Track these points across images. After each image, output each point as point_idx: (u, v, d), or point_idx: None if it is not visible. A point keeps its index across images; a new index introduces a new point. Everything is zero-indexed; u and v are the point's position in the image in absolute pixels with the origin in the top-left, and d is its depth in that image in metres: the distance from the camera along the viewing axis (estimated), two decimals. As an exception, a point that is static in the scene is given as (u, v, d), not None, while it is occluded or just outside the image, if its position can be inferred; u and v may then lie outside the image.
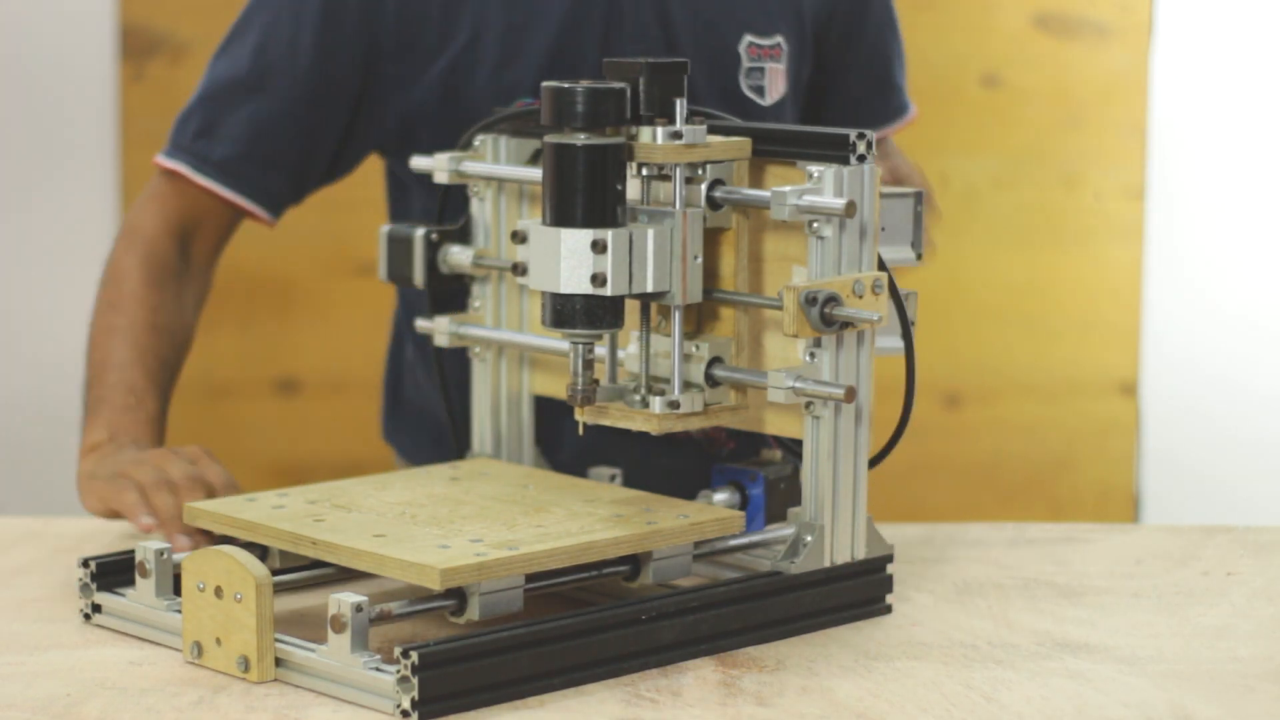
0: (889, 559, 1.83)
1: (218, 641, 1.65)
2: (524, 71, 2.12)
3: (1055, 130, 4.08)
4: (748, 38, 2.17)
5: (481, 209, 1.98)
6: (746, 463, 1.95)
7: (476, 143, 1.97)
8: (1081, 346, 4.08)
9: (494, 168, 1.96)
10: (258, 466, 4.17)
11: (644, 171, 1.77)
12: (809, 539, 1.77)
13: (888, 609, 1.82)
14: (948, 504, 4.10)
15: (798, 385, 1.73)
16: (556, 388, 1.97)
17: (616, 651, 1.65)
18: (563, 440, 2.09)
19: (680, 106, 1.74)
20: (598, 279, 1.71)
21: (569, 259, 1.72)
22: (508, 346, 1.99)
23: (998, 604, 1.85)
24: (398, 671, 1.55)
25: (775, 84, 2.18)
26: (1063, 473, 4.13)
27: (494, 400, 2.01)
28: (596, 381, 1.77)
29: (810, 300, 1.71)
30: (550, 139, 1.73)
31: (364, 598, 1.60)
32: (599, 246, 1.71)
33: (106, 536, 2.08)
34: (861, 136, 1.74)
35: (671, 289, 1.75)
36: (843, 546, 1.79)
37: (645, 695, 1.61)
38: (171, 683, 1.63)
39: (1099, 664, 1.68)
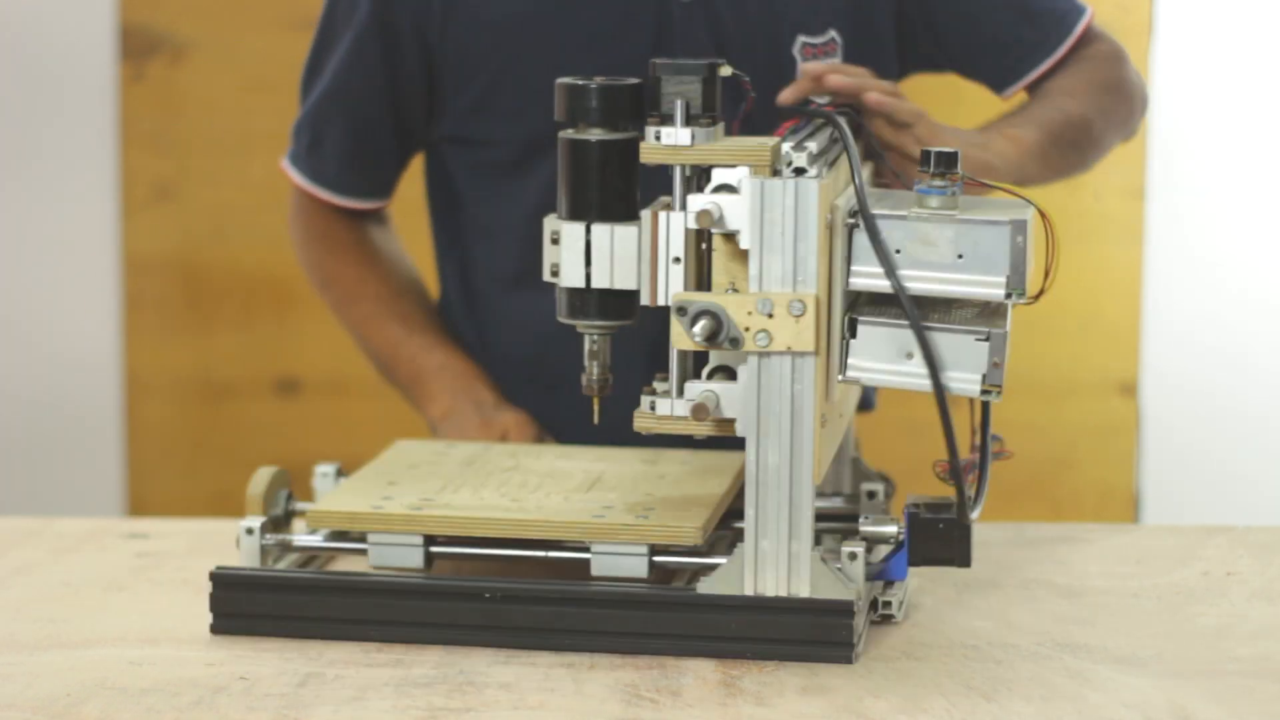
0: (848, 606, 1.68)
1: None
2: None
3: (1055, 130, 4.08)
4: (801, 39, 2.16)
5: None
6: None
7: None
8: (1081, 346, 4.08)
9: None
10: (257, 466, 4.17)
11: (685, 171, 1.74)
12: (727, 560, 1.72)
13: (848, 658, 1.70)
14: (947, 504, 4.09)
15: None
16: None
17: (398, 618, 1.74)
18: None
19: (681, 107, 1.73)
20: (553, 269, 1.75)
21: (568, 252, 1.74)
22: None
23: (998, 604, 1.85)
24: None
25: None
26: (1063, 473, 4.13)
27: None
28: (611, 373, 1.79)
29: (680, 310, 1.67)
30: (564, 135, 1.75)
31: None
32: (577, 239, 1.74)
33: (107, 536, 2.08)
34: (802, 150, 1.68)
35: (641, 289, 1.74)
36: (769, 578, 1.70)
37: (645, 695, 1.61)
38: (171, 683, 1.63)
39: (1099, 664, 1.68)
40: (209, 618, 1.79)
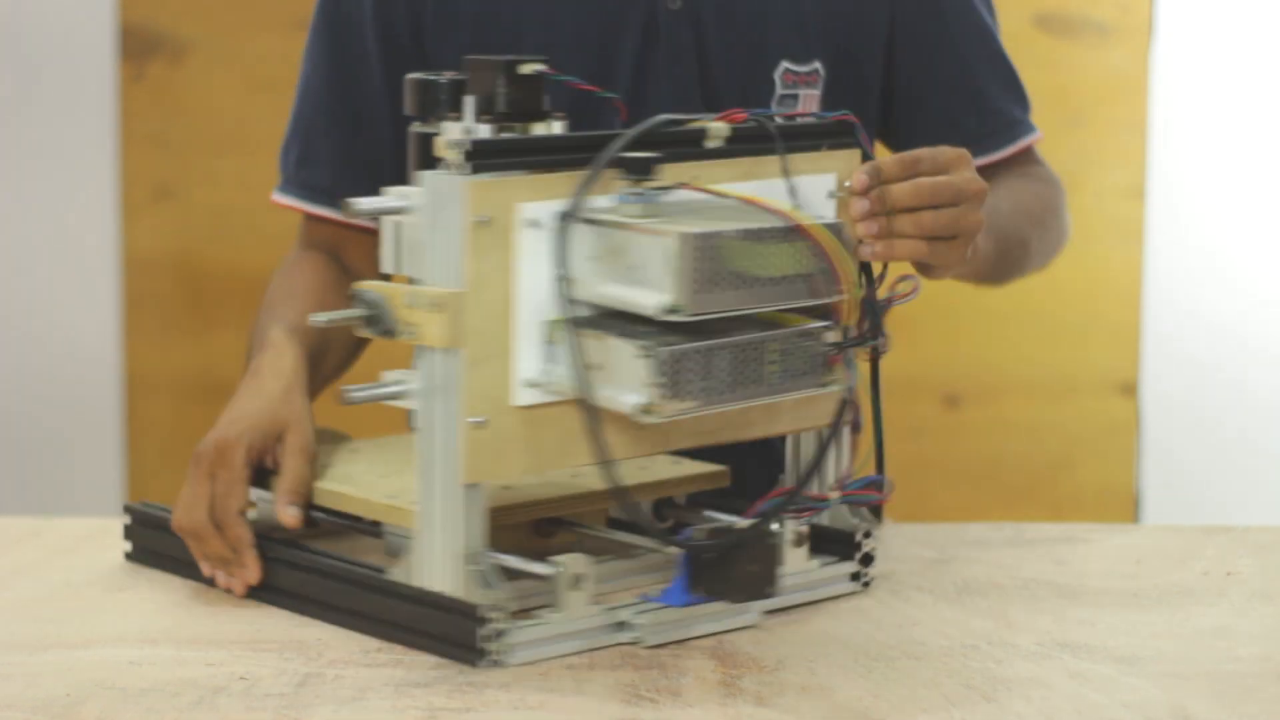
0: (472, 611, 1.65)
1: None
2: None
3: (1055, 130, 4.07)
4: (784, 64, 2.16)
5: None
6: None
7: None
8: (1081, 346, 4.08)
9: None
10: (258, 466, 4.17)
11: None
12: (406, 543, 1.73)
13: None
14: (948, 504, 4.10)
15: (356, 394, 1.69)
16: None
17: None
18: None
19: (469, 104, 1.72)
20: None
21: None
22: None
23: (998, 604, 1.85)
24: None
25: (809, 110, 2.17)
26: (1063, 473, 4.13)
27: None
28: None
29: (352, 296, 1.69)
30: (414, 129, 1.76)
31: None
32: None
33: (108, 536, 2.08)
34: (459, 146, 1.64)
35: None
36: (425, 571, 1.69)
37: (645, 695, 1.61)
38: (171, 683, 1.63)
39: (1099, 664, 1.68)
40: (209, 618, 1.80)
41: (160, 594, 1.89)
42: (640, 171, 1.66)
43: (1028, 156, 2.29)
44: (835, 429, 1.79)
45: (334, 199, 2.15)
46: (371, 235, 2.17)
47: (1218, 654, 1.71)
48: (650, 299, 1.62)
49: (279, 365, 2.02)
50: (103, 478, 4.15)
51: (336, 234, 2.21)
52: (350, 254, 2.21)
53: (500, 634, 1.66)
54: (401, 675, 1.65)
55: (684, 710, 1.58)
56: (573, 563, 1.69)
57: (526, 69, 1.73)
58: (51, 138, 4.06)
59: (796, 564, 1.82)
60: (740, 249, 1.63)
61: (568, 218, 1.66)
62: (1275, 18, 4.05)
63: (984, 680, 1.64)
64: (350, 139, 2.19)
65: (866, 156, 1.79)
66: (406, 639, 1.71)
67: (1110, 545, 2.05)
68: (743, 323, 1.68)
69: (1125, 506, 4.13)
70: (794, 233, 1.66)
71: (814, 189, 1.76)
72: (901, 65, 2.21)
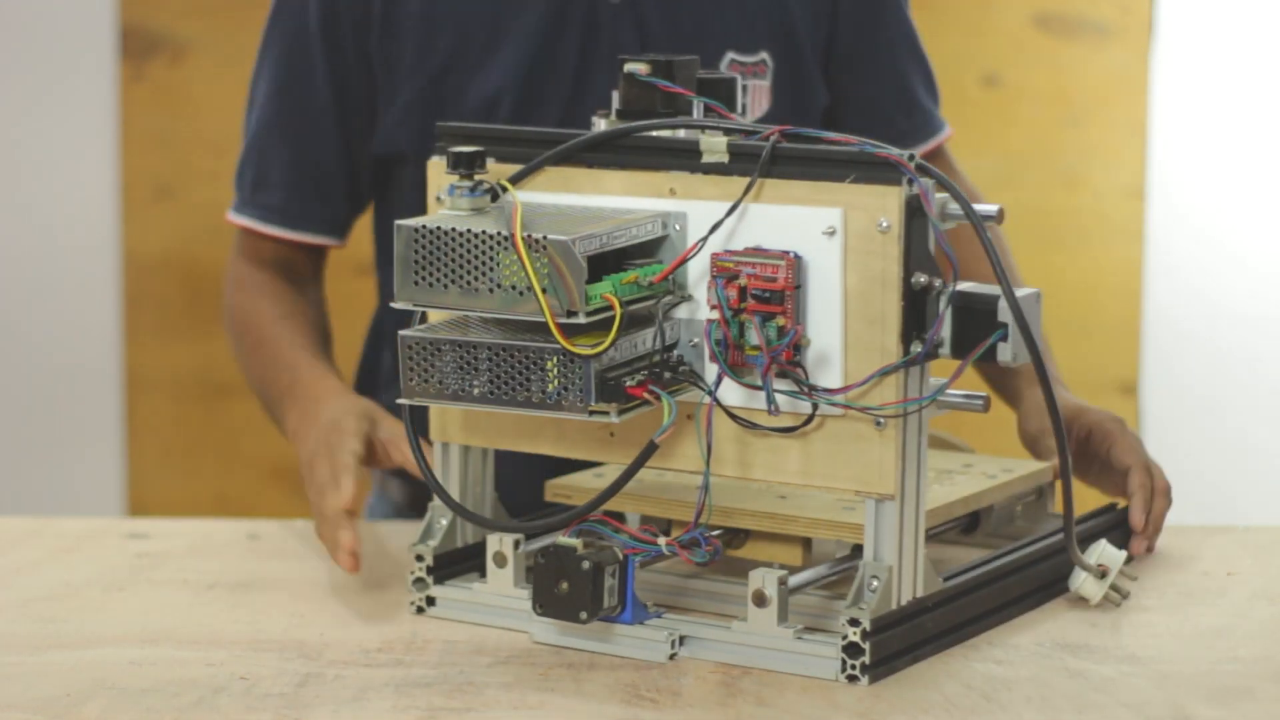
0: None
1: None
2: (500, 83, 2.12)
3: (1055, 130, 4.08)
4: (730, 54, 2.16)
5: None
6: None
7: None
8: (1081, 346, 4.08)
9: None
10: (257, 466, 4.17)
11: None
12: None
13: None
14: (948, 504, 4.09)
15: None
16: None
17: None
18: None
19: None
20: None
21: None
22: None
23: (998, 604, 1.85)
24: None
25: (759, 101, 2.17)
26: (1063, 473, 4.13)
27: None
28: None
29: None
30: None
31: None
32: None
33: (107, 536, 2.08)
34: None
35: None
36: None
37: (645, 695, 1.61)
38: (171, 683, 1.63)
39: (1099, 664, 1.68)
40: (209, 618, 1.80)
41: (160, 594, 1.89)
42: (469, 165, 1.69)
43: (940, 150, 2.33)
44: (634, 465, 1.68)
45: (287, 218, 2.23)
46: (319, 250, 2.28)
47: (1218, 654, 1.71)
48: None
49: (330, 380, 2.10)
50: (103, 478, 4.15)
51: (289, 250, 2.26)
52: (301, 268, 2.27)
53: None
54: (401, 675, 1.65)
55: (684, 710, 1.58)
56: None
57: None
58: (51, 138, 4.06)
59: (758, 625, 1.68)
60: (470, 250, 1.63)
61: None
62: (1275, 18, 4.05)
63: (984, 680, 1.64)
64: (300, 155, 2.21)
65: (912, 198, 1.63)
66: None
67: (1110, 545, 2.05)
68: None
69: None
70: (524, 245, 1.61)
71: (806, 221, 1.64)
72: (838, 58, 2.22)
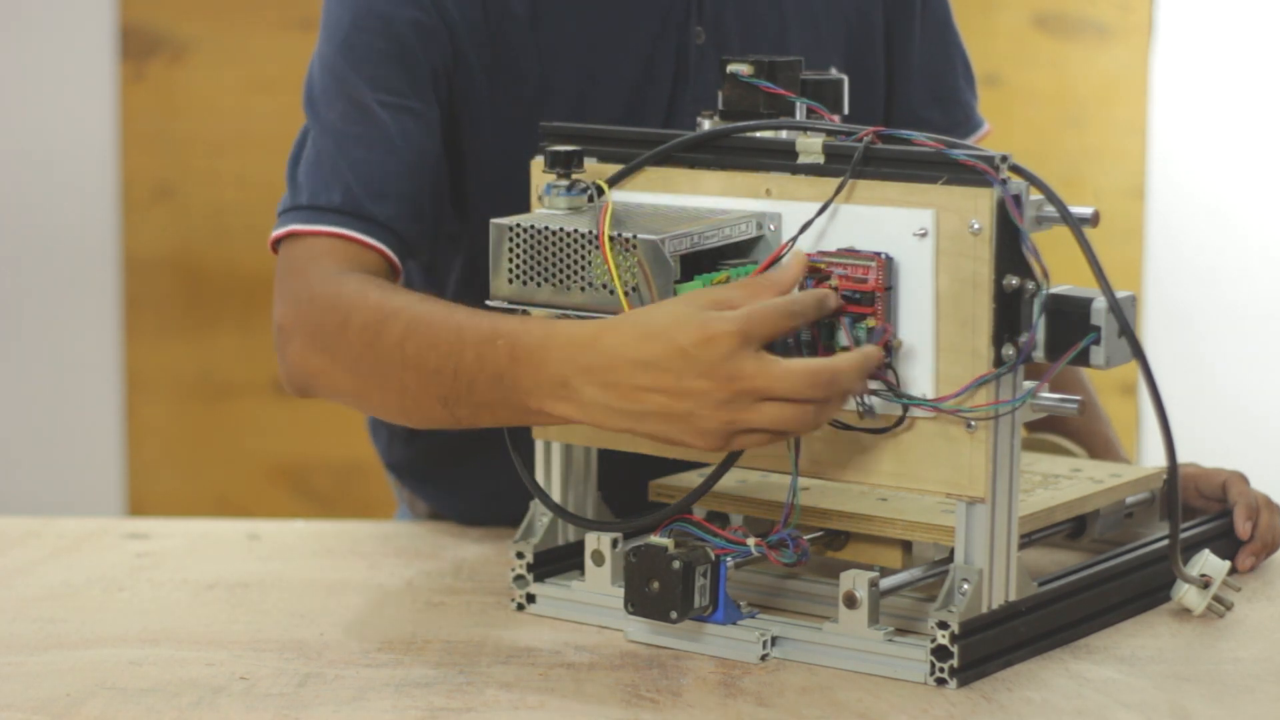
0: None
1: None
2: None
3: (1055, 130, 4.08)
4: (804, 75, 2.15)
5: None
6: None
7: None
8: (1081, 346, 4.08)
9: None
10: (258, 466, 4.17)
11: None
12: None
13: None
14: (948, 504, 4.09)
15: None
16: None
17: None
18: None
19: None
20: None
21: None
22: None
23: (998, 604, 1.85)
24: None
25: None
26: (1063, 473, 4.13)
27: None
28: None
29: None
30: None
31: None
32: None
33: (107, 536, 2.08)
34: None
35: None
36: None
37: (645, 695, 1.61)
38: (171, 683, 1.63)
39: (1099, 664, 1.68)
40: (209, 618, 1.80)
41: (160, 594, 1.89)
42: (565, 165, 1.69)
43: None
44: (721, 466, 1.67)
45: (391, 233, 1.94)
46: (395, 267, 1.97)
47: (1218, 654, 1.71)
48: None
49: (555, 321, 1.67)
50: (103, 478, 4.15)
51: (385, 265, 1.93)
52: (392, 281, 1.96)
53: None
54: (401, 675, 1.65)
55: (684, 710, 1.58)
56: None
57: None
58: (51, 139, 4.06)
59: (849, 626, 1.67)
60: (561, 249, 1.64)
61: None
62: (1275, 18, 4.05)
63: (984, 680, 1.64)
64: (419, 184, 1.97)
65: (1003, 207, 1.64)
66: None
67: (1110, 545, 2.05)
68: None
69: (1125, 506, 4.12)
70: (611, 244, 1.61)
71: (898, 223, 1.63)
72: (890, 57, 2.21)
